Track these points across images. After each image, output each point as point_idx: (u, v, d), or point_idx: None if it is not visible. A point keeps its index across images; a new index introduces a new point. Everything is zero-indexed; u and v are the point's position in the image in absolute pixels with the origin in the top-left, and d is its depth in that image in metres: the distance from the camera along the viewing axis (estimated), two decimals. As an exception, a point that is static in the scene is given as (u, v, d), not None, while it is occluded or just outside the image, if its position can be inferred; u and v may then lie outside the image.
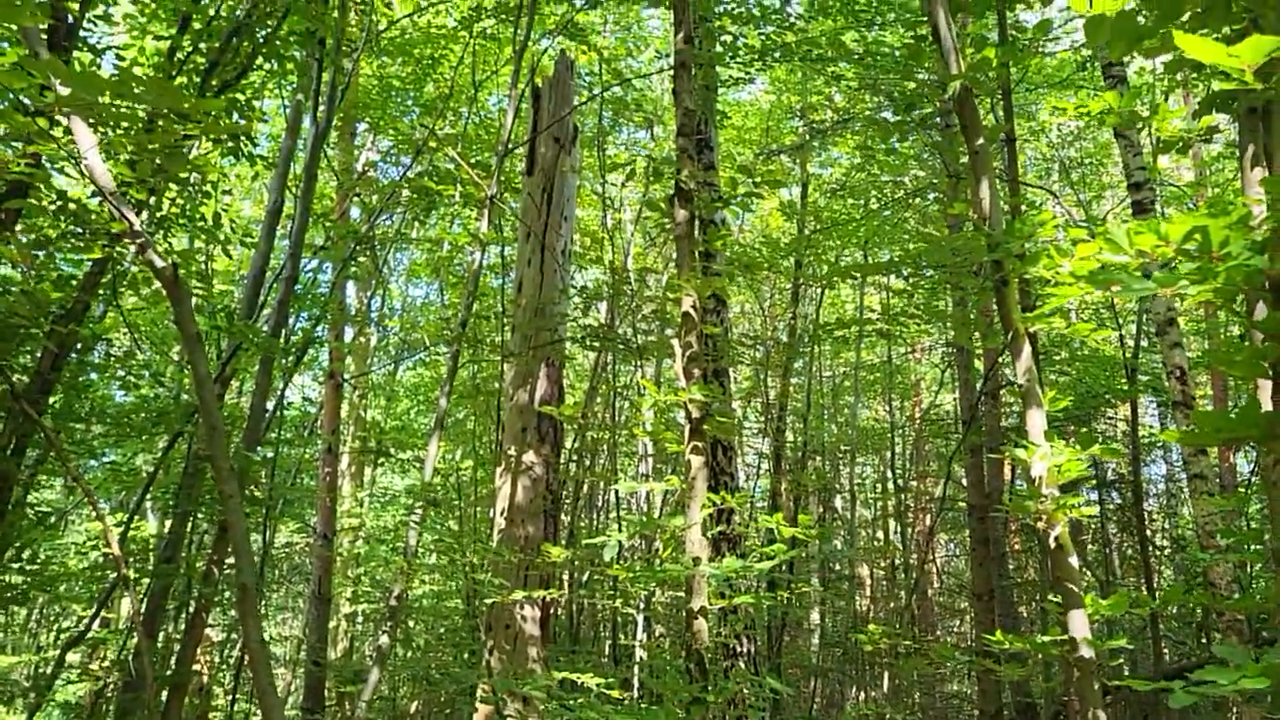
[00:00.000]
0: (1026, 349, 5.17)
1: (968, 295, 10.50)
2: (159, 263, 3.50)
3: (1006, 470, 13.42)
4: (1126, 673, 11.16)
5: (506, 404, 10.62)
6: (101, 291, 7.01)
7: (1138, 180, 8.04)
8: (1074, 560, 4.95)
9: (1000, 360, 13.22)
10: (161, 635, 9.43)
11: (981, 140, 5.24)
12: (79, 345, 7.26)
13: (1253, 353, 2.28)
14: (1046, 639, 5.25)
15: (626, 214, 18.00)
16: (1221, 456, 12.73)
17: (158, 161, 3.79)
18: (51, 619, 16.39)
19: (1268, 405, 2.33)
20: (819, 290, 18.19)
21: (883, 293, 19.30)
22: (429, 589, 17.53)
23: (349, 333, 17.26)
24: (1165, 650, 12.51)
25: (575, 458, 13.42)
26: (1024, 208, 8.31)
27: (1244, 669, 2.35)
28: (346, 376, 16.54)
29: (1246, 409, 2.38)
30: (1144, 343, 12.34)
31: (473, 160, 13.34)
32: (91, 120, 3.63)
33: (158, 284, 9.65)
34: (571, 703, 5.96)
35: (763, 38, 10.60)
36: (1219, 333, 13.79)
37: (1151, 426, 16.70)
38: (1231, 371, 2.45)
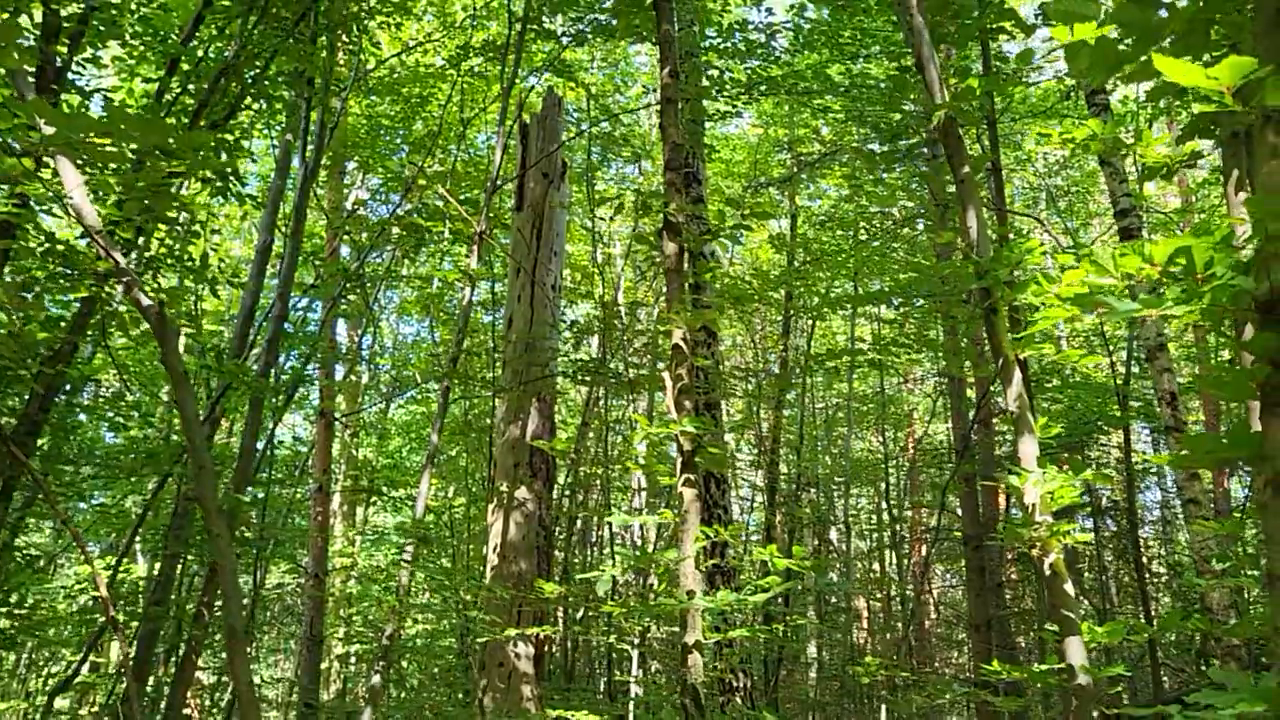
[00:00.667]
0: (1017, 376, 5.18)
1: (958, 324, 10.53)
2: (145, 301, 3.49)
3: (1001, 499, 13.39)
4: (1125, 701, 11.09)
5: (498, 440, 10.58)
6: (90, 332, 6.99)
7: (1124, 207, 8.09)
8: (1069, 587, 4.92)
9: (992, 390, 13.23)
10: (152, 679, 9.31)
11: (967, 168, 5.27)
12: (67, 387, 7.22)
13: (1241, 374, 2.28)
14: (1043, 668, 5.22)
15: (616, 249, 18.06)
16: (1215, 482, 12.74)
17: (145, 201, 3.78)
18: (41, 664, 16.17)
19: (1257, 426, 2.32)
20: (810, 321, 18.22)
21: (874, 323, 19.35)
22: (422, 628, 17.36)
23: (339, 371, 17.21)
24: (1164, 678, 12.43)
25: (568, 493, 13.36)
26: (1011, 236, 8.35)
27: (1242, 693, 2.32)
28: (338, 415, 16.48)
29: (1236, 430, 2.37)
30: (1135, 369, 12.37)
31: (461, 197, 13.38)
32: (79, 161, 3.63)
33: (146, 324, 9.63)
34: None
35: (749, 72, 10.69)
36: (1209, 358, 13.83)
37: (1145, 453, 16.70)
38: (1220, 394, 2.45)
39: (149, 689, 8.73)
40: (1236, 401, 2.77)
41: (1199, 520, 6.75)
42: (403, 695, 15.05)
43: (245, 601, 9.99)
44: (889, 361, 14.28)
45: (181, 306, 7.80)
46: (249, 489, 8.14)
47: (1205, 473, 12.37)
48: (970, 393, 13.61)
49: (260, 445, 9.51)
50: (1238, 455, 2.35)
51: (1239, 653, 7.06)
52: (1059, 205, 16.76)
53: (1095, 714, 4.75)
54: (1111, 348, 13.14)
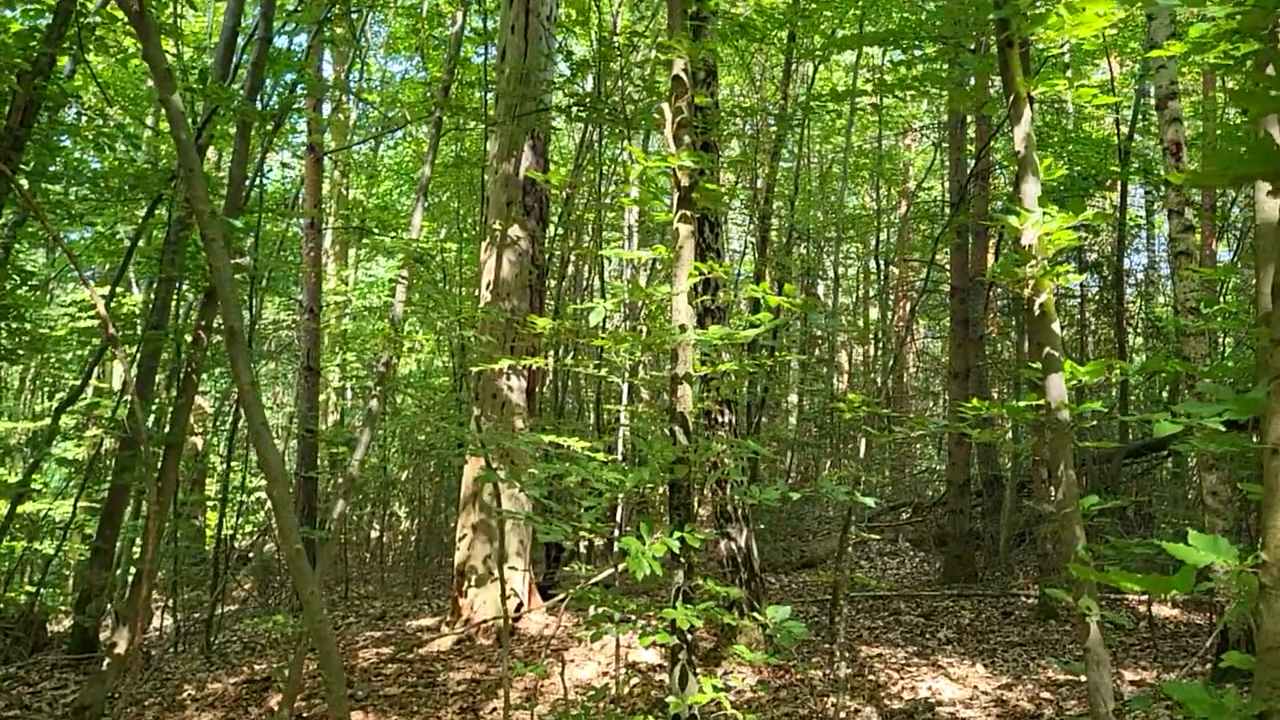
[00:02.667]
0: (1027, 114, 5.04)
1: (966, 70, 10.19)
2: (125, -9, 3.31)
3: (990, 256, 13.47)
4: (1094, 451, 11.57)
5: (491, 177, 10.44)
6: (68, 45, 6.71)
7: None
8: (1056, 327, 5.01)
9: (991, 144, 13.03)
10: (155, 403, 9.58)
11: (995, -116, 4.93)
12: (49, 104, 7.00)
13: (1269, 82, 2.21)
14: (1021, 404, 5.39)
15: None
16: (1205, 242, 12.78)
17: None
18: (46, 384, 16.60)
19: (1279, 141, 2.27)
20: (812, 69, 17.64)
21: (877, 74, 18.74)
22: (418, 360, 17.79)
23: (327, 108, 16.74)
24: (1131, 431, 12.94)
25: (561, 232, 13.33)
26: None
27: (1227, 403, 2.39)
28: (326, 151, 16.17)
29: (1258, 144, 2.32)
30: (1140, 123, 12.13)
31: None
32: None
33: (127, 42, 9.23)
34: (557, 463, 6.11)
35: None
36: (1217, 113, 13.55)
37: (1138, 214, 16.68)
38: (1246, 104, 2.37)
39: (152, 407, 8.99)
40: (1263, 114, 2.70)
41: (1187, 269, 6.81)
42: (399, 428, 15.58)
43: (242, 308, 10.14)
44: (891, 109, 13.89)
45: (161, 16, 7.45)
46: (239, 217, 8.05)
47: (1197, 229, 12.39)
48: (971, 147, 13.41)
49: (250, 176, 9.36)
50: (1257, 170, 2.31)
51: (1209, 401, 7.30)
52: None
53: (1069, 447, 4.95)
54: (1120, 104, 12.85)
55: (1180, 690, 2.29)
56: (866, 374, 22.48)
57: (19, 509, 8.50)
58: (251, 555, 14.77)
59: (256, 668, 8.79)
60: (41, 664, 9.20)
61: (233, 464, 11.71)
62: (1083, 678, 5.91)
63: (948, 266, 14.03)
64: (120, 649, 7.69)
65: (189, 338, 8.20)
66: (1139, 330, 15.33)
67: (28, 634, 9.48)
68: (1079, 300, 14.07)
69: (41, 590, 9.37)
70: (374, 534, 17.85)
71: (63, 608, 11.37)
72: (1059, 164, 12.31)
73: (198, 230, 7.90)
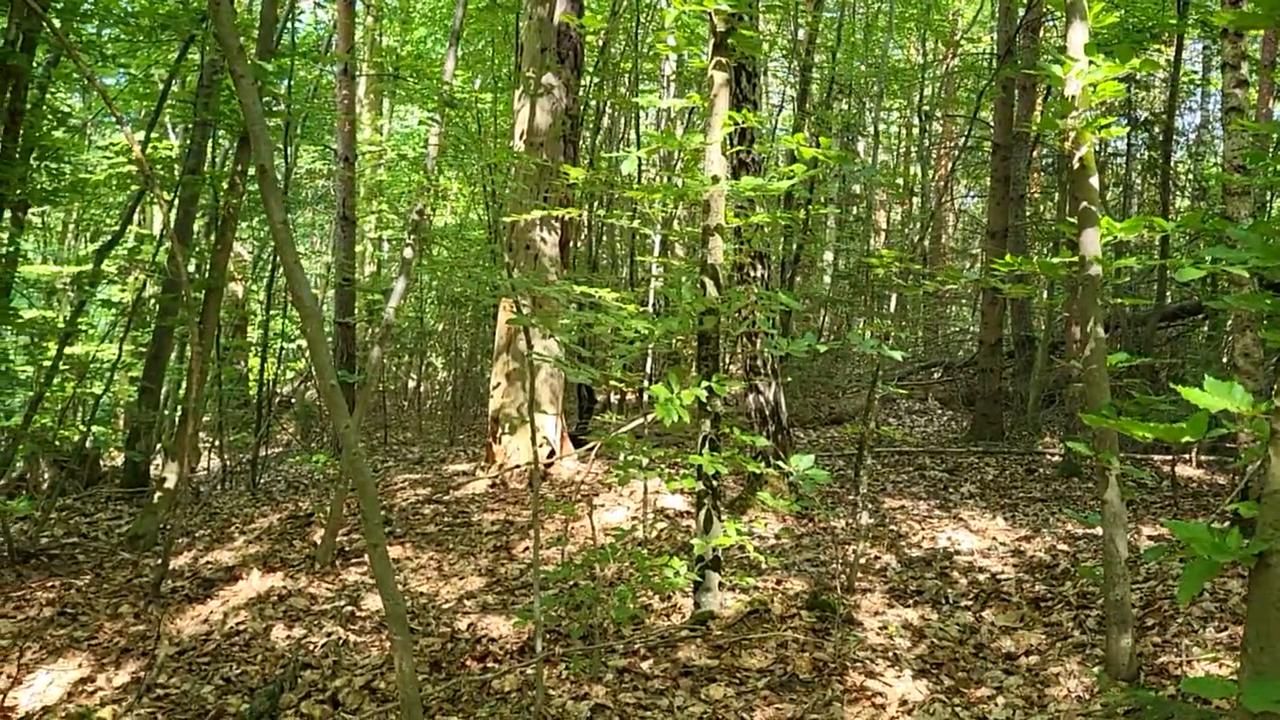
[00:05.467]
0: (1078, -45, 4.86)
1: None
2: None
3: (1037, 114, 13.10)
4: (1129, 313, 11.47)
5: (525, 22, 10.21)
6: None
7: None
8: (1095, 182, 4.93)
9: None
10: (195, 249, 9.71)
11: None
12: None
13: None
14: (1056, 260, 5.35)
15: None
16: (1261, 100, 12.35)
17: None
18: (88, 229, 16.78)
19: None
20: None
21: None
22: (454, 213, 17.75)
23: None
24: (1171, 296, 12.80)
25: (596, 80, 13.07)
26: None
27: (1256, 250, 2.38)
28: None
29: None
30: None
31: None
32: None
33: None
34: (589, 312, 6.18)
35: None
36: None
37: (1193, 71, 16.06)
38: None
39: (192, 254, 9.11)
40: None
41: (1237, 124, 6.62)
42: (434, 280, 15.71)
43: (279, 176, 10.17)
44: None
45: None
46: (271, 61, 7.96)
47: (1253, 86, 11.95)
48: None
49: (281, 18, 9.22)
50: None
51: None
52: None
53: (1100, 303, 4.94)
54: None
55: (1184, 529, 2.36)
56: (903, 232, 22.23)
57: (67, 350, 8.75)
58: (294, 401, 15.17)
59: (300, 505, 9.15)
60: (96, 496, 9.65)
61: (273, 312, 11.92)
62: (1098, 530, 6.04)
63: (991, 123, 13.68)
64: (170, 483, 8.04)
65: (226, 184, 8.25)
66: (1186, 193, 14.96)
67: (83, 468, 9.91)
68: (1125, 160, 13.71)
69: (93, 428, 9.74)
70: (412, 384, 18.22)
71: (115, 445, 11.81)
72: (1111, 12, 11.84)
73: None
